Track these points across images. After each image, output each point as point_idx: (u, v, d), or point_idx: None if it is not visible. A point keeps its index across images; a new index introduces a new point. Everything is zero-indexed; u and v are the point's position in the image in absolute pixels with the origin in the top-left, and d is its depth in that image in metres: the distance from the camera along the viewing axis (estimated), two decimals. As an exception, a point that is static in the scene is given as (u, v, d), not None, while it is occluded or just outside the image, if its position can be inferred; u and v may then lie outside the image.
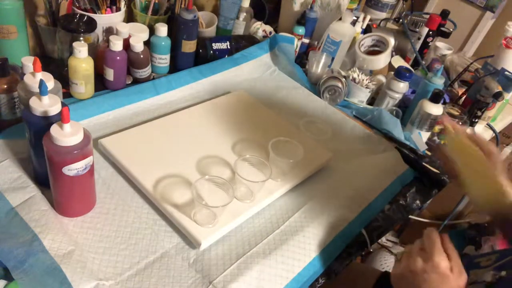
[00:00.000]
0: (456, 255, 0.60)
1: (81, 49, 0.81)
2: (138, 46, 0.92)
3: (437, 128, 1.11)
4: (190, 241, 0.67)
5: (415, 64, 1.35)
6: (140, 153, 0.78)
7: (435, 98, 1.02)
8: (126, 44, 0.91)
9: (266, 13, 1.33)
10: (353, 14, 1.27)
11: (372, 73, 1.24)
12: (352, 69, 1.17)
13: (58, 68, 0.92)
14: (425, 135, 1.08)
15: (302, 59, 1.25)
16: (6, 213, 0.63)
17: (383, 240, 1.71)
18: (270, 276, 0.65)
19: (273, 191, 0.78)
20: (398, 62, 1.29)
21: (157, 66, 1.02)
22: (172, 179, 0.74)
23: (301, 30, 1.23)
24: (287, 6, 1.29)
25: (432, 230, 0.63)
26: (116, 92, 0.92)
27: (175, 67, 1.07)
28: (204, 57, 1.10)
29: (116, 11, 1.00)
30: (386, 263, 1.57)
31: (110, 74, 0.91)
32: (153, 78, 1.00)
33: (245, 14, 1.20)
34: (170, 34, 1.00)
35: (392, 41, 1.33)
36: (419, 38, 1.34)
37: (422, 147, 1.05)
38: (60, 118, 0.57)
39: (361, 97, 1.14)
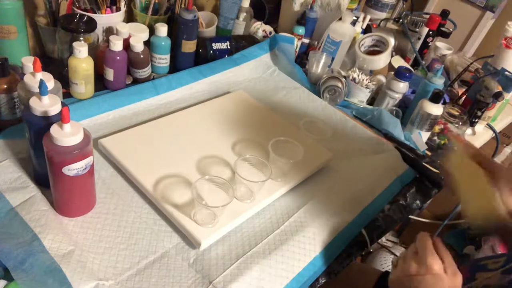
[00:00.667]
0: (450, 256, 0.61)
1: (81, 49, 0.81)
2: (138, 46, 0.92)
3: (437, 128, 1.11)
4: (190, 241, 0.67)
5: (415, 64, 1.35)
6: (140, 153, 0.78)
7: (435, 98, 1.02)
8: (126, 44, 0.91)
9: (266, 13, 1.33)
10: (353, 14, 1.27)
11: (372, 73, 1.24)
12: (352, 69, 1.17)
13: (58, 68, 0.92)
14: (425, 135, 1.08)
15: (302, 59, 1.25)
16: (6, 213, 0.63)
17: (383, 240, 1.71)
18: (270, 276, 0.65)
19: (273, 191, 0.78)
20: (398, 62, 1.29)
21: (157, 66, 1.02)
22: (172, 179, 0.74)
23: (301, 30, 1.23)
24: (287, 6, 1.29)
25: (425, 234, 0.64)
26: (116, 92, 0.92)
27: (175, 67, 1.07)
28: (204, 57, 1.10)
29: (116, 11, 1.00)
30: (386, 263, 1.57)
31: (110, 74, 0.91)
32: (153, 78, 1.00)
33: (245, 14, 1.20)
34: (170, 34, 1.00)
35: (392, 41, 1.33)
36: (419, 38, 1.34)
37: (422, 147, 1.05)
38: (60, 118, 0.57)
39: (361, 97, 1.14)
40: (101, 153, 0.79)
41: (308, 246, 0.71)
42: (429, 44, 1.35)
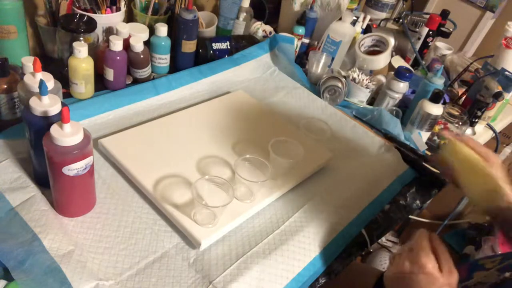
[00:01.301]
0: (447, 254, 0.61)
1: (81, 49, 0.81)
2: (138, 46, 0.92)
3: (437, 128, 1.11)
4: (190, 241, 0.67)
5: (415, 64, 1.35)
6: (140, 153, 0.78)
7: (435, 98, 1.02)
8: (126, 44, 0.91)
9: (266, 13, 1.33)
10: (353, 14, 1.27)
11: (372, 73, 1.24)
12: (352, 69, 1.17)
13: (58, 68, 0.92)
14: (425, 135, 1.08)
15: (302, 59, 1.25)
16: (6, 213, 0.63)
17: (383, 240, 1.71)
18: (270, 276, 0.65)
19: (273, 191, 0.78)
20: (398, 62, 1.29)
21: (157, 66, 1.02)
22: (172, 179, 0.74)
23: (301, 30, 1.23)
24: (287, 6, 1.29)
25: (422, 231, 0.64)
26: (116, 92, 0.92)
27: (175, 67, 1.07)
28: (204, 57, 1.10)
29: (116, 11, 1.00)
30: (386, 263, 1.57)
31: (110, 74, 0.91)
32: (153, 78, 1.00)
33: (245, 14, 1.20)
34: (170, 34, 1.00)
35: (392, 41, 1.33)
36: (419, 38, 1.34)
37: (422, 147, 1.05)
38: (60, 118, 0.57)
39: (361, 97, 1.14)
40: (101, 153, 0.79)
41: (308, 246, 0.71)
42: (429, 44, 1.35)
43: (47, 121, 0.60)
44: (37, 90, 0.61)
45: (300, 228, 0.74)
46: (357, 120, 1.08)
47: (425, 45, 1.34)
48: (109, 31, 0.98)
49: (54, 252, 0.59)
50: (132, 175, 0.73)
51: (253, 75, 1.14)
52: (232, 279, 0.63)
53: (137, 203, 0.72)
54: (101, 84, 0.93)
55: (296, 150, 0.80)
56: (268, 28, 1.24)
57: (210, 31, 1.16)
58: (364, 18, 1.37)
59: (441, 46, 1.44)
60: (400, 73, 1.08)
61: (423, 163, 0.96)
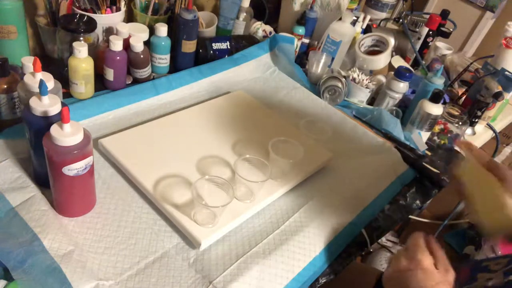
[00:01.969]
0: (442, 254, 0.62)
1: (81, 49, 0.81)
2: (138, 46, 0.92)
3: (437, 128, 1.11)
4: (190, 241, 0.67)
5: (415, 64, 1.35)
6: (140, 153, 0.78)
7: (435, 98, 1.02)
8: (126, 44, 0.91)
9: (266, 13, 1.33)
10: (353, 14, 1.27)
11: (372, 73, 1.24)
12: (352, 69, 1.17)
13: (58, 68, 0.92)
14: (425, 135, 1.08)
15: (302, 59, 1.25)
16: (6, 213, 0.63)
17: (383, 240, 1.71)
18: (270, 276, 0.65)
19: (273, 191, 0.78)
20: (398, 62, 1.29)
21: (157, 66, 1.02)
22: (172, 179, 0.74)
23: (301, 30, 1.23)
24: (287, 6, 1.29)
25: (417, 233, 0.64)
26: (116, 92, 0.92)
27: (175, 67, 1.07)
28: (204, 57, 1.10)
29: (116, 11, 0.99)
30: (386, 263, 1.57)
31: (110, 74, 0.91)
32: (153, 78, 1.00)
33: (245, 14, 1.20)
34: (170, 34, 1.00)
35: (392, 41, 1.33)
36: (419, 38, 1.34)
37: (422, 147, 1.05)
38: (60, 118, 0.57)
39: (361, 97, 1.14)
40: (101, 153, 0.79)
41: (308, 246, 0.71)
42: (429, 44, 1.35)
43: (47, 121, 0.60)
44: (37, 90, 0.61)
45: (300, 228, 0.74)
46: (357, 120, 1.08)
47: (425, 45, 1.34)
48: (109, 31, 0.98)
49: (54, 252, 0.59)
50: (132, 175, 0.73)
51: (253, 75, 1.14)
52: (232, 279, 0.63)
53: (137, 203, 0.72)
54: (101, 84, 0.93)
55: (296, 150, 0.80)
56: (268, 28, 1.24)
57: (210, 31, 1.16)
58: (364, 18, 1.37)
59: (441, 46, 1.44)
60: (400, 73, 1.08)
61: (423, 163, 0.96)
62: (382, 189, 0.88)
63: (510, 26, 1.23)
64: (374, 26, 1.45)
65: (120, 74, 0.93)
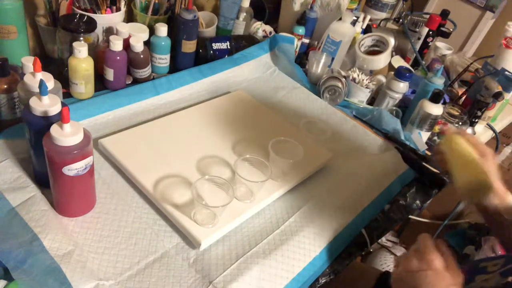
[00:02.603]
0: (451, 257, 0.61)
1: (81, 49, 0.81)
2: (138, 46, 0.92)
3: (437, 128, 1.11)
4: (190, 241, 0.67)
5: (415, 64, 1.35)
6: (140, 153, 0.78)
7: (435, 98, 1.02)
8: (126, 44, 0.91)
9: (266, 13, 1.33)
10: (353, 14, 1.27)
11: (372, 73, 1.24)
12: (352, 69, 1.17)
13: (58, 68, 0.92)
14: (425, 135, 1.08)
15: (302, 59, 1.25)
16: (6, 213, 0.63)
17: (383, 240, 1.71)
18: (270, 276, 0.65)
19: (273, 191, 0.78)
20: (398, 62, 1.29)
21: (157, 66, 1.02)
22: (172, 179, 0.74)
23: (301, 30, 1.23)
24: (287, 6, 1.29)
25: (426, 234, 0.64)
26: (116, 92, 0.92)
27: (175, 67, 1.07)
28: (204, 57, 1.10)
29: (116, 11, 0.99)
30: (386, 263, 1.57)
31: (110, 74, 0.91)
32: (153, 78, 1.00)
33: (245, 14, 1.20)
34: (170, 34, 1.00)
35: (392, 41, 1.33)
36: (419, 38, 1.34)
37: (422, 147, 1.05)
38: (60, 118, 0.57)
39: (361, 97, 1.14)
40: (101, 153, 0.79)
41: (308, 246, 0.71)
42: (429, 44, 1.35)
43: (47, 121, 0.60)
44: (37, 90, 0.61)
45: (300, 228, 0.74)
46: (357, 120, 1.08)
47: (425, 45, 1.34)
48: (109, 31, 0.98)
49: (54, 252, 0.59)
50: (132, 175, 0.73)
51: (253, 75, 1.14)
52: (232, 279, 0.63)
53: (137, 203, 0.72)
54: (101, 84, 0.93)
55: (296, 150, 0.80)
56: (268, 28, 1.24)
57: (210, 31, 1.16)
58: (364, 18, 1.37)
59: (441, 46, 1.44)
60: (400, 73, 1.08)
61: (423, 163, 0.96)
62: (382, 189, 0.88)
63: (510, 26, 1.23)
64: (374, 26, 1.45)
65: (120, 74, 0.93)
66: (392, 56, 1.29)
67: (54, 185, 0.63)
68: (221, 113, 0.94)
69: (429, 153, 1.06)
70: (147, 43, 0.97)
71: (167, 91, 0.97)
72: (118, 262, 0.62)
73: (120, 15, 1.00)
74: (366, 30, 1.39)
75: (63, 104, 0.64)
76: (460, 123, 1.11)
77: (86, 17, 0.89)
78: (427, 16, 1.36)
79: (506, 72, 1.21)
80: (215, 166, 0.80)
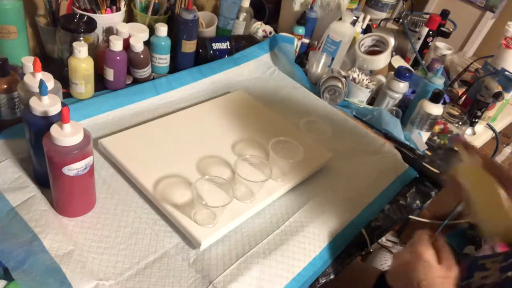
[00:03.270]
0: (448, 252, 0.62)
1: (81, 49, 0.81)
2: (138, 46, 0.92)
3: (437, 128, 1.11)
4: (190, 241, 0.67)
5: (415, 64, 1.35)
6: (140, 153, 0.78)
7: (435, 98, 1.02)
8: (126, 44, 0.91)
9: (266, 13, 1.33)
10: (353, 14, 1.27)
11: (372, 73, 1.24)
12: (352, 69, 1.17)
13: (58, 68, 0.92)
14: (425, 135, 1.08)
15: (302, 59, 1.25)
16: (6, 213, 0.63)
17: (383, 240, 1.71)
18: (270, 276, 0.65)
19: (273, 191, 0.77)
20: (398, 62, 1.29)
21: (157, 66, 1.02)
22: (172, 179, 0.74)
23: (301, 30, 1.23)
24: (287, 6, 1.29)
25: (423, 230, 0.65)
26: (116, 92, 0.92)
27: (175, 67, 1.07)
28: (204, 57, 1.10)
29: (116, 11, 0.99)
30: (386, 263, 1.57)
31: (110, 74, 0.91)
32: (153, 78, 1.00)
33: (245, 14, 1.20)
34: (170, 34, 1.00)
35: (392, 41, 1.33)
36: (419, 38, 1.34)
37: (422, 147, 1.05)
38: (60, 118, 0.57)
39: (361, 97, 1.14)
40: (101, 153, 0.79)
41: (308, 246, 0.71)
42: (429, 44, 1.35)
43: (47, 121, 0.60)
44: (37, 90, 0.61)
45: (300, 228, 0.74)
46: (357, 120, 1.08)
47: (425, 45, 1.34)
48: (109, 31, 0.98)
49: (54, 252, 0.59)
50: (132, 175, 0.73)
51: (253, 75, 1.14)
52: (232, 279, 0.63)
53: (137, 203, 0.72)
54: (101, 84, 0.93)
55: (296, 150, 0.80)
56: (268, 28, 1.24)
57: (210, 31, 1.16)
58: (364, 18, 1.37)
59: (441, 46, 1.44)
60: (400, 73, 1.08)
61: (423, 163, 0.96)
62: (382, 189, 0.88)
63: (510, 26, 1.23)
64: (374, 26, 1.45)
65: (120, 74, 0.93)
66: (392, 56, 1.29)
67: (54, 185, 0.63)
68: (221, 113, 0.94)
69: (429, 153, 1.06)
70: (147, 43, 0.97)
71: (167, 91, 0.97)
72: (118, 262, 0.62)
73: (120, 15, 1.00)
74: (366, 30, 1.39)
75: (63, 104, 0.64)
76: (460, 123, 1.11)
77: (86, 17, 0.89)
78: (427, 16, 1.36)
79: (506, 72, 1.21)
80: (215, 166, 0.80)
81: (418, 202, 0.91)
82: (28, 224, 0.61)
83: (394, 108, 1.12)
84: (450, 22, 1.41)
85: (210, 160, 0.81)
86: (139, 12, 1.05)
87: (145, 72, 0.97)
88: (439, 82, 1.07)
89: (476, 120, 1.21)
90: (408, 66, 1.30)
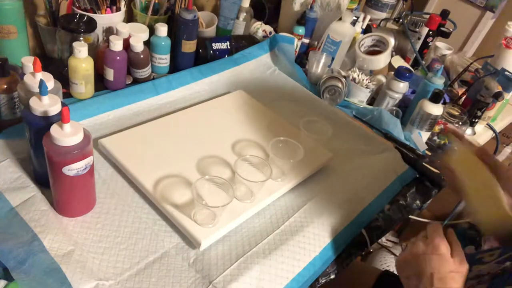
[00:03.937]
0: (459, 247, 0.62)
1: (81, 49, 0.81)
2: (138, 46, 0.92)
3: (437, 128, 1.11)
4: (190, 241, 0.67)
5: (415, 64, 1.35)
6: (140, 153, 0.78)
7: (435, 98, 1.02)
8: (126, 44, 0.91)
9: (266, 13, 1.33)
10: (353, 14, 1.27)
11: (372, 73, 1.24)
12: (352, 69, 1.17)
13: (58, 68, 0.92)
14: (425, 135, 1.08)
15: (302, 59, 1.25)
16: (6, 213, 0.63)
17: (383, 240, 1.71)
18: (270, 276, 0.65)
19: (273, 191, 0.77)
20: (398, 62, 1.29)
21: (157, 66, 1.02)
22: (172, 179, 0.74)
23: (301, 30, 1.23)
24: (287, 6, 1.29)
25: (437, 223, 0.65)
26: (116, 92, 0.92)
27: (175, 67, 1.07)
28: (204, 57, 1.10)
29: (116, 11, 1.00)
30: (386, 263, 1.57)
31: (110, 74, 0.91)
32: (153, 78, 1.00)
33: (245, 14, 1.20)
34: (170, 34, 1.00)
35: (392, 41, 1.33)
36: (419, 38, 1.34)
37: (422, 147, 1.05)
38: (60, 118, 0.57)
39: (361, 97, 1.14)
40: (101, 153, 0.79)
41: (308, 246, 0.71)
42: (429, 44, 1.35)
43: (47, 121, 0.60)
44: (37, 90, 0.61)
45: (300, 228, 0.74)
46: (357, 120, 1.08)
47: (425, 45, 1.34)
48: (109, 31, 0.98)
49: (54, 252, 0.59)
50: (132, 175, 0.73)
51: (253, 75, 1.14)
52: (232, 279, 0.63)
53: (137, 203, 0.72)
54: (101, 84, 0.93)
55: (296, 150, 0.80)
56: (268, 28, 1.24)
57: (210, 31, 1.16)
58: (364, 18, 1.37)
59: (441, 46, 1.44)
60: (400, 73, 1.08)
61: (423, 163, 0.96)
62: (382, 189, 0.88)
63: (510, 26, 1.23)
64: (374, 26, 1.45)
65: (120, 74, 0.93)
66: (392, 56, 1.29)
67: (54, 185, 0.63)
68: (221, 113, 0.94)
69: (429, 153, 1.06)
70: (147, 43, 0.97)
71: (167, 91, 0.97)
72: (118, 262, 0.62)
73: (120, 15, 1.00)
74: (366, 30, 1.39)
75: (63, 104, 0.64)
76: (460, 123, 1.11)
77: (86, 17, 0.89)
78: (427, 16, 1.36)
79: (506, 72, 1.21)
80: (215, 166, 0.80)
81: (418, 202, 0.91)
82: (28, 224, 0.61)
83: (394, 108, 1.12)
84: (450, 22, 1.41)
85: (210, 160, 0.81)
86: (139, 12, 1.05)
87: (145, 72, 0.97)
88: (439, 82, 1.07)
89: (476, 120, 1.21)
90: (408, 66, 1.30)
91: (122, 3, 1.00)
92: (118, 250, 0.64)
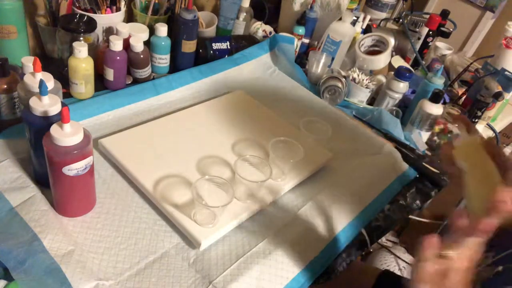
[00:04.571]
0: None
1: (81, 49, 0.81)
2: (138, 46, 0.92)
3: (437, 128, 1.11)
4: (190, 241, 0.67)
5: (415, 64, 1.35)
6: (140, 153, 0.78)
7: (435, 98, 1.02)
8: (126, 44, 0.91)
9: (266, 13, 1.33)
10: (353, 14, 1.27)
11: (372, 73, 1.24)
12: (352, 69, 1.17)
13: (58, 68, 0.92)
14: (425, 135, 1.08)
15: (302, 59, 1.25)
16: (6, 213, 0.63)
17: (383, 240, 1.71)
18: (270, 276, 0.65)
19: (273, 191, 0.77)
20: (398, 62, 1.29)
21: (157, 66, 1.02)
22: (172, 179, 0.74)
23: (301, 30, 1.23)
24: (287, 6, 1.29)
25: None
26: (116, 92, 0.92)
27: (175, 67, 1.07)
28: (204, 57, 1.10)
29: (116, 11, 1.00)
30: (386, 263, 1.56)
31: (110, 74, 0.91)
32: (153, 78, 1.00)
33: (245, 14, 1.20)
34: (170, 34, 1.00)
35: (392, 41, 1.33)
36: (419, 38, 1.34)
37: (422, 147, 1.05)
38: (60, 118, 0.57)
39: (361, 97, 1.14)
40: (101, 153, 0.79)
41: (308, 246, 0.71)
42: (429, 44, 1.35)
43: (47, 121, 0.60)
44: (37, 90, 0.61)
45: (300, 228, 0.74)
46: (357, 120, 1.08)
47: (425, 45, 1.35)
48: (109, 31, 0.98)
49: (54, 252, 0.59)
50: (132, 175, 0.73)
51: (253, 75, 1.14)
52: (232, 279, 0.63)
53: (137, 203, 0.72)
54: (101, 84, 0.93)
55: (296, 150, 0.80)
56: (268, 28, 1.24)
57: (210, 31, 1.16)
58: (364, 18, 1.37)
59: (441, 46, 1.44)
60: (400, 73, 1.08)
61: (423, 163, 0.96)
62: (382, 189, 0.88)
63: (510, 26, 1.23)
64: (374, 26, 1.45)
65: (120, 74, 0.93)
66: (392, 56, 1.29)
67: (54, 185, 0.63)
68: (221, 113, 0.94)
69: (429, 153, 1.06)
70: (147, 43, 0.97)
71: (167, 91, 0.97)
72: (118, 262, 0.62)
73: (120, 15, 1.00)
74: (366, 30, 1.39)
75: (63, 104, 0.64)
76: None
77: (86, 17, 0.89)
78: (427, 16, 1.36)
79: (506, 72, 1.21)
80: (215, 166, 0.80)
81: (418, 202, 0.91)
82: (28, 224, 0.61)
83: (394, 108, 1.12)
84: (450, 22, 1.41)
85: (210, 160, 0.81)
86: (139, 12, 1.05)
87: (145, 72, 0.97)
88: (439, 82, 1.07)
89: (476, 120, 1.21)
90: (408, 66, 1.30)
91: (122, 3, 1.00)
92: (118, 250, 0.64)
